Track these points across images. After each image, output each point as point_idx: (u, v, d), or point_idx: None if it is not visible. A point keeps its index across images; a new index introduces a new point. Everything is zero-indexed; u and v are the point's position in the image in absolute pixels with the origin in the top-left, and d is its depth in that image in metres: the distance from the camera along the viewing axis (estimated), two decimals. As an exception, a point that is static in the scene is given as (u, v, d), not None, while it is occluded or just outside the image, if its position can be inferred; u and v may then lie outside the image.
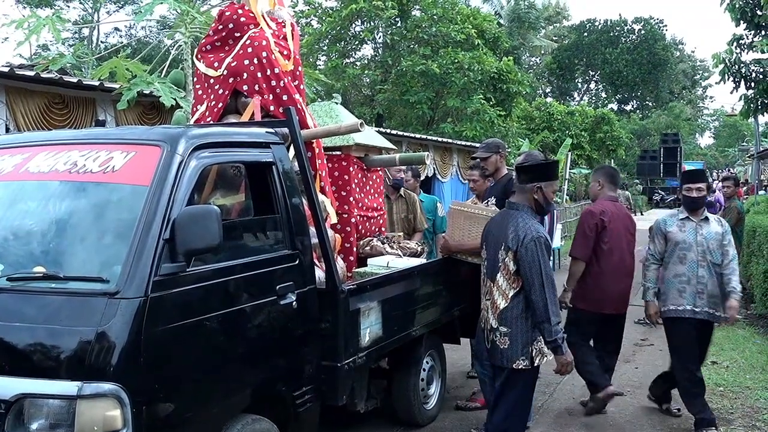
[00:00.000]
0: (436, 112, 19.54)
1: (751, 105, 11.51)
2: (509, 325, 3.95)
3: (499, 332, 3.98)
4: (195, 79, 5.08)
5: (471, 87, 18.12)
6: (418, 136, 14.38)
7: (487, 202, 5.25)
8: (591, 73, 52.41)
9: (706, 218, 5.19)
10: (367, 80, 20.62)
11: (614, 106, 51.34)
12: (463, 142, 15.87)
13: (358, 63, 21.05)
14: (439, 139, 14.98)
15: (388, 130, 12.96)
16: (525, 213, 4.00)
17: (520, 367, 3.91)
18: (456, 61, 17.68)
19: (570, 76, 51.20)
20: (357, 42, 20.52)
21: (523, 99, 24.17)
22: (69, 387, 2.64)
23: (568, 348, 3.92)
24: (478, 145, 7.71)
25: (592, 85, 54.71)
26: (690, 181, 5.23)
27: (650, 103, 52.99)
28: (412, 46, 19.17)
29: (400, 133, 13.66)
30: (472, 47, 18.67)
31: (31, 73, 6.99)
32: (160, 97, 6.62)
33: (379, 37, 20.54)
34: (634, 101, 54.43)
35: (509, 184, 5.24)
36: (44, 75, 7.07)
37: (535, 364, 3.94)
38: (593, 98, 53.40)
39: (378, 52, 21.03)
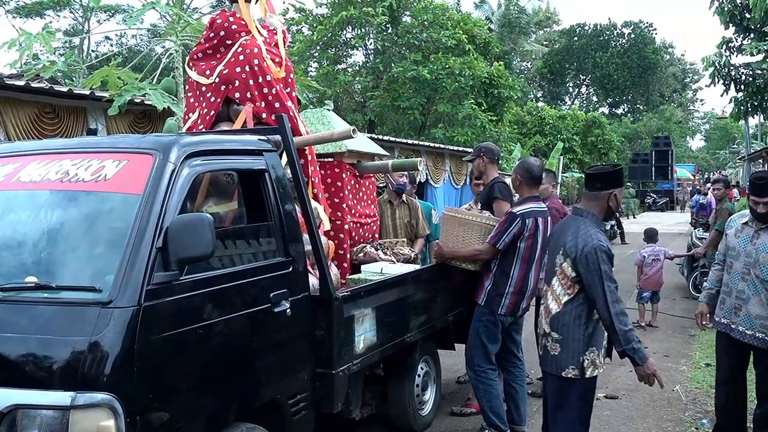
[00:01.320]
0: (427, 117, 19.59)
1: (741, 107, 11.60)
2: (561, 331, 3.74)
3: (551, 338, 3.80)
4: (187, 87, 5.07)
5: (462, 92, 18.17)
6: (410, 141, 14.40)
7: (480, 207, 5.26)
8: (582, 77, 52.68)
9: None
10: (359, 86, 20.66)
11: (605, 109, 51.61)
12: (455, 147, 15.90)
13: (349, 69, 21.09)
14: (432, 145, 15.00)
15: (380, 136, 12.98)
16: (589, 220, 3.78)
17: (569, 375, 3.70)
18: (447, 66, 17.72)
19: (561, 81, 51.47)
20: (348, 48, 20.57)
21: (515, 104, 24.26)
22: (62, 397, 2.62)
23: (645, 357, 3.62)
24: (470, 150, 7.73)
25: (583, 89, 54.98)
26: (756, 194, 4.36)
27: (641, 107, 53.23)
28: (403, 52, 19.21)
29: (393, 138, 13.69)
30: (462, 53, 18.73)
31: (22, 83, 6.96)
32: (151, 104, 6.61)
33: (370, 44, 20.57)
34: (625, 105, 54.68)
35: (492, 189, 5.20)
36: (35, 85, 7.05)
37: (587, 376, 3.71)
38: (584, 102, 53.64)
39: (369, 58, 21.05)
